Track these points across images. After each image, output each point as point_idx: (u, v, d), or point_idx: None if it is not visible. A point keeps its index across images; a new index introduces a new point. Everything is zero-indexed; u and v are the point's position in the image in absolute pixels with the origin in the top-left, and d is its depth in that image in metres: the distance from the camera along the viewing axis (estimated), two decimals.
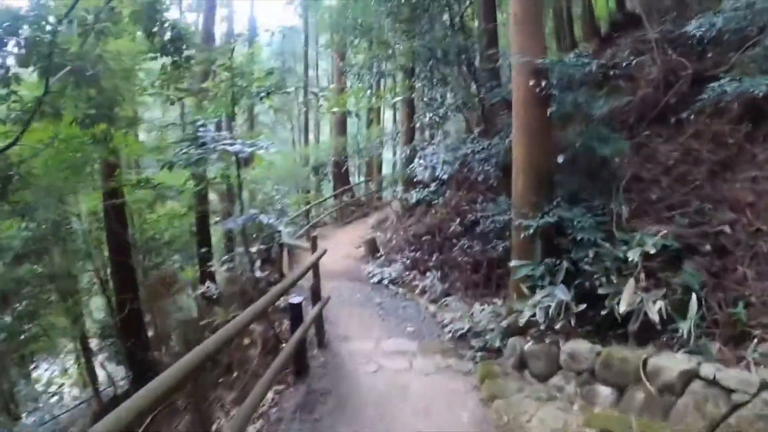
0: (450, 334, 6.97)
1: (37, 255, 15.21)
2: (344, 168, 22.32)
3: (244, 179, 14.58)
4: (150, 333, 15.02)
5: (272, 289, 5.01)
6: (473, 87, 9.79)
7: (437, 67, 9.56)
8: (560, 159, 5.93)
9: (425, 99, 10.10)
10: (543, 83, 5.74)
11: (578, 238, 5.55)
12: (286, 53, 37.97)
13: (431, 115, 10.12)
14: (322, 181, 25.41)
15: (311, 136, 30.61)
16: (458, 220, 10.15)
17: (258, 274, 9.15)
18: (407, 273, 10.63)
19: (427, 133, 15.88)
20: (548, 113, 5.96)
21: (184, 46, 7.77)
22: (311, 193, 23.49)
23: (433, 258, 10.76)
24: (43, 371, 20.22)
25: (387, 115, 31.80)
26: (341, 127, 23.00)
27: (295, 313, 5.71)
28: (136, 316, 13.92)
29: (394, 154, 38.81)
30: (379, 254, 12.36)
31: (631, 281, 5.22)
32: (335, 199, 21.29)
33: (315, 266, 6.72)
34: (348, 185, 21.99)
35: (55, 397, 19.59)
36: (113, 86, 8.35)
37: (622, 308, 5.11)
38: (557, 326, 5.29)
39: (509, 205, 8.69)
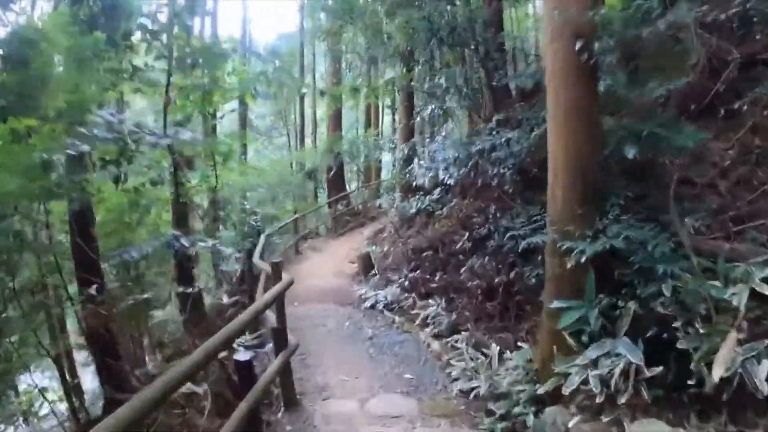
0: (460, 388, 5.26)
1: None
2: (339, 173, 20.64)
3: (218, 186, 13.00)
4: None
5: (207, 342, 3.36)
6: (481, 73, 8.15)
7: (441, 48, 7.92)
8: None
9: (426, 88, 8.43)
10: (589, 49, 4.07)
11: (646, 267, 3.86)
12: (283, 55, 36.64)
13: (433, 107, 8.45)
14: (318, 188, 23.77)
15: (308, 141, 28.99)
16: (466, 233, 8.48)
17: (225, 300, 7.47)
18: (405, 296, 8.94)
19: (427, 132, 14.27)
20: (596, 91, 4.30)
21: (121, 20, 6.11)
22: (306, 201, 21.85)
23: (436, 278, 9.08)
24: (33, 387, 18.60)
25: (386, 119, 30.27)
26: (336, 122, 21.29)
27: (244, 373, 4.03)
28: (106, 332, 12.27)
29: (393, 164, 37.45)
30: (373, 272, 10.66)
31: (732, 334, 3.54)
32: (329, 208, 19.61)
33: (278, 300, 5.02)
34: (343, 192, 20.31)
35: (40, 414, 17.94)
36: (42, 71, 6.69)
37: (717, 373, 3.45)
38: (622, 399, 3.60)
39: (531, 215, 7.06)
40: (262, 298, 4.90)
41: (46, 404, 19.46)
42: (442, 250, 9.81)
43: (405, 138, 12.70)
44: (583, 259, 3.84)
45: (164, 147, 6.12)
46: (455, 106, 8.54)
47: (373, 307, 8.77)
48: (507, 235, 7.26)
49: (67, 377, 16.42)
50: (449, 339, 6.50)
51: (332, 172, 20.06)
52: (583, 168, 4.15)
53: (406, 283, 9.14)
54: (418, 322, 7.43)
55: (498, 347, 5.95)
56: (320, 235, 18.36)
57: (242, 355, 4.01)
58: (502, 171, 6.92)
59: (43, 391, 19.39)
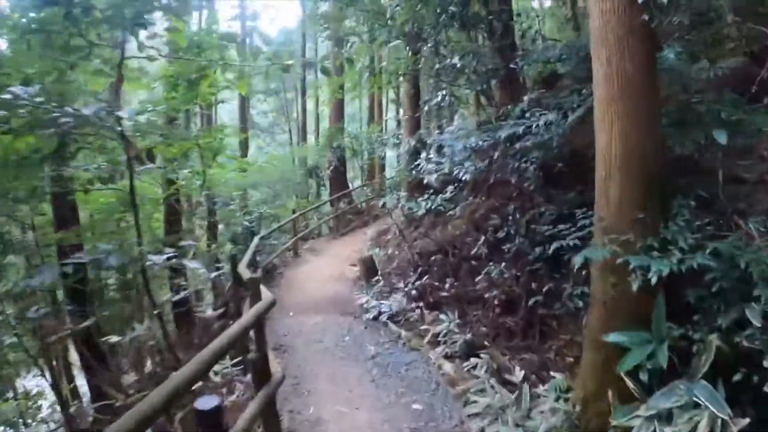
0: (481, 428, 4.36)
1: None
2: (341, 170, 19.72)
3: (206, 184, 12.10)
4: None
5: (161, 387, 2.48)
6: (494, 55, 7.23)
7: (450, 27, 6.97)
8: None
9: (436, 70, 7.47)
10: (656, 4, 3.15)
11: (726, 288, 2.95)
12: (285, 52, 35.77)
13: (443, 93, 7.49)
14: (322, 185, 22.85)
15: (311, 138, 28.07)
16: (481, 236, 7.59)
17: (209, 313, 6.59)
18: (412, 306, 8.04)
19: (434, 124, 13.34)
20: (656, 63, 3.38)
21: None
22: (308, 199, 20.94)
23: (446, 286, 8.20)
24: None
25: (390, 114, 29.32)
26: (338, 114, 20.32)
27: (209, 424, 3.14)
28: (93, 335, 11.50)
29: (398, 159, 36.50)
30: (376, 277, 9.76)
31: None
32: (331, 206, 18.71)
33: (257, 325, 4.12)
34: (346, 190, 19.39)
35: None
36: None
37: None
38: None
39: (559, 215, 6.13)
40: (239, 320, 4.01)
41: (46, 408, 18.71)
42: (453, 254, 8.92)
43: (411, 131, 11.75)
44: (654, 280, 2.92)
45: (116, 136, 5.14)
46: (469, 93, 7.60)
47: (376, 318, 7.87)
48: (529, 239, 6.36)
49: (61, 383, 15.70)
50: (465, 363, 5.58)
51: (334, 169, 19.13)
52: (646, 160, 3.23)
53: (413, 291, 8.25)
54: (427, 338, 6.52)
55: (523, 372, 5.06)
56: (321, 235, 17.47)
57: (205, 402, 3.11)
58: (524, 165, 5.99)
59: (34, 396, 18.55)
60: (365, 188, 19.60)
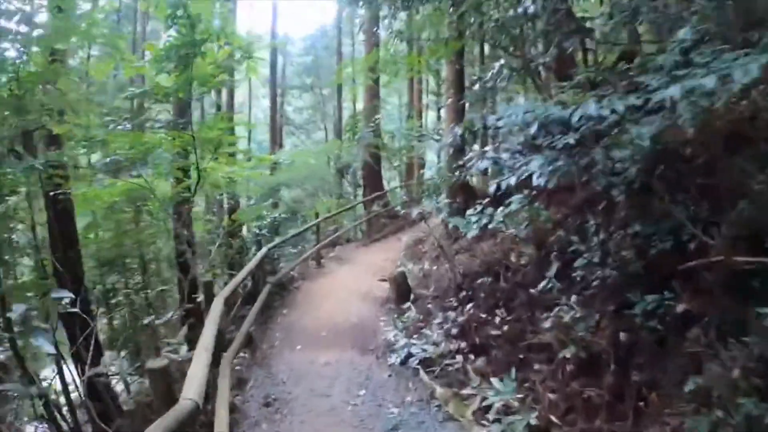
0: None
1: None
2: (376, 169, 17.97)
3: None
4: None
5: None
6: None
7: None
8: None
9: (490, 33, 5.59)
10: None
11: None
12: (319, 47, 34.55)
13: (501, 63, 5.60)
14: (358, 185, 21.15)
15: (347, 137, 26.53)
16: (551, 259, 5.73)
17: (180, 353, 4.96)
18: (452, 347, 6.23)
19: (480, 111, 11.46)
20: None
21: None
22: (338, 200, 19.30)
23: (497, 320, 6.40)
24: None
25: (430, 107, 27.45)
26: (373, 97, 18.46)
27: None
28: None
29: (438, 156, 34.62)
30: (408, 303, 7.97)
31: None
32: (364, 209, 17.00)
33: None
34: (380, 191, 17.61)
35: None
36: None
37: None
38: None
39: (677, 241, 4.17)
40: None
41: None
42: (506, 278, 7.09)
43: (454, 116, 9.83)
44: None
45: None
46: (538, 62, 5.66)
47: (404, 362, 6.06)
48: (621, 271, 4.45)
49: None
50: None
51: (368, 167, 17.39)
52: None
53: (453, 329, 6.41)
54: (473, 407, 4.68)
55: None
56: (351, 240, 15.77)
57: None
58: (620, 164, 4.08)
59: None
60: (401, 189, 17.82)
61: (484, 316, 6.84)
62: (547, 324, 5.40)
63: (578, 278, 5.06)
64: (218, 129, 8.25)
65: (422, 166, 23.95)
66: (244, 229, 13.51)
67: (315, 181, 17.41)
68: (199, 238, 13.01)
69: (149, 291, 12.50)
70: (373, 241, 14.72)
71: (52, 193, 10.60)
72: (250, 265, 7.00)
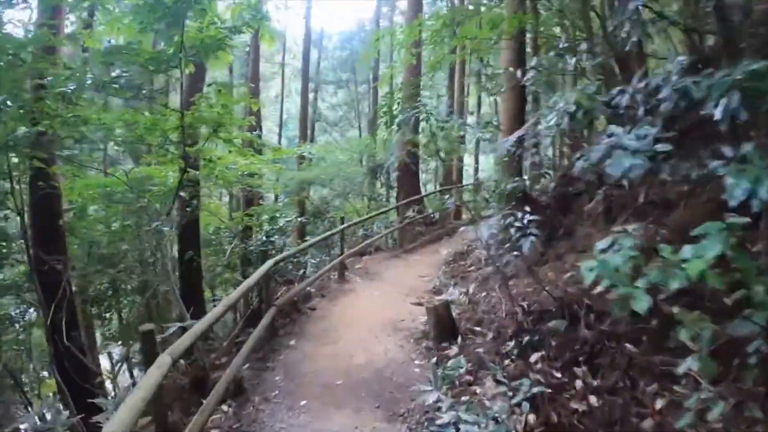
0: None
1: None
2: (412, 170, 16.05)
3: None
4: None
5: None
6: None
7: None
8: None
9: None
10: None
11: None
12: (356, 42, 33.10)
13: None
14: (391, 187, 19.19)
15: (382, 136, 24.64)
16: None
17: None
18: (520, 423, 4.29)
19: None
20: None
21: None
22: (368, 202, 17.48)
23: (577, 385, 4.56)
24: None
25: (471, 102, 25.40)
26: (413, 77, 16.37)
27: None
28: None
29: (476, 160, 32.49)
30: (454, 349, 6.05)
31: None
32: (397, 214, 15.10)
33: None
34: (417, 195, 15.69)
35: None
36: None
37: None
38: None
39: None
40: None
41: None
42: (588, 323, 5.18)
43: (513, 110, 7.93)
44: None
45: None
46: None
47: None
48: None
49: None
50: None
51: (404, 167, 15.49)
52: None
53: (523, 400, 4.46)
54: None
55: None
56: (380, 249, 13.88)
57: None
58: None
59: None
60: (444, 194, 15.85)
61: (559, 376, 4.94)
62: (659, 403, 3.60)
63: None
64: (221, 106, 6.48)
65: (460, 170, 21.93)
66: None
67: (343, 180, 15.61)
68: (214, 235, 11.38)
69: (146, 293, 10.93)
70: (406, 251, 12.82)
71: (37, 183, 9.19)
72: (242, 289, 5.21)
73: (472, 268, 9.32)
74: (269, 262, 6.27)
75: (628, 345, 4.77)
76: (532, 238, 4.33)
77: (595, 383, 4.66)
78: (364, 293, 9.08)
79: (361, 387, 5.25)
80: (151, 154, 9.64)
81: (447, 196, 14.01)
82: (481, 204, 7.68)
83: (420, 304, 8.31)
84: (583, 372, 4.84)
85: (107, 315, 12.98)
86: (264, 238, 7.63)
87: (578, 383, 4.74)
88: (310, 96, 33.23)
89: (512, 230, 4.56)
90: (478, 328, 6.54)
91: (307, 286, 8.38)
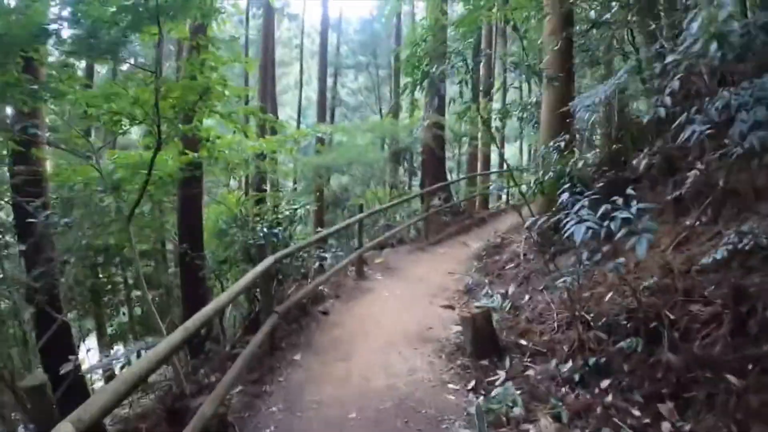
0: None
1: None
2: (438, 155, 14.76)
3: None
4: None
5: None
6: None
7: None
8: None
9: None
10: None
11: None
12: (377, 25, 31.92)
13: None
14: (414, 173, 17.77)
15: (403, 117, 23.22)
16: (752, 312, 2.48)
17: None
18: None
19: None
20: None
21: None
22: (389, 189, 16.23)
23: (664, 428, 3.32)
24: None
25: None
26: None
27: None
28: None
29: (502, 152, 30.78)
30: (501, 375, 4.81)
31: None
32: (421, 203, 13.84)
33: None
34: (442, 182, 14.38)
35: None
36: None
37: None
38: None
39: None
40: None
41: None
42: (673, 343, 3.98)
43: (559, 91, 6.71)
44: None
45: None
46: None
47: None
48: None
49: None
50: None
51: (429, 152, 14.23)
52: None
53: None
54: None
55: None
56: (403, 241, 12.65)
57: None
58: None
59: None
60: (473, 182, 14.54)
61: (637, 414, 3.75)
62: None
63: None
64: (209, 68, 5.30)
65: (487, 157, 20.48)
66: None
67: (364, 166, 14.38)
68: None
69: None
70: (431, 243, 11.58)
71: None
72: (223, 299, 4.05)
73: (511, 265, 8.05)
74: (269, 259, 5.10)
75: (730, 376, 3.56)
76: (648, 235, 3.06)
77: (687, 427, 3.47)
78: (385, 293, 7.89)
79: (381, 424, 4.07)
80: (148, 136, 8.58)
81: (491, 182, 12.69)
82: (530, 190, 6.37)
83: (451, 308, 7.12)
84: (669, 410, 3.64)
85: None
86: (265, 230, 6.47)
87: (665, 426, 3.55)
88: (330, 81, 32.06)
89: (612, 225, 3.28)
90: (523, 342, 5.31)
91: (319, 285, 7.21)
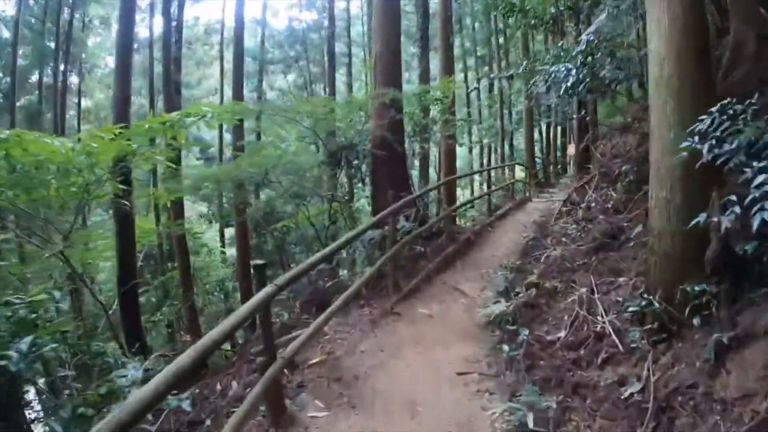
0: None
1: None
2: (397, 153, 10.15)
3: None
4: None
5: None
6: None
7: None
8: None
9: None
10: None
11: None
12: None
13: None
14: (360, 180, 12.51)
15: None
16: None
17: None
18: None
19: None
20: None
21: None
22: (333, 203, 11.22)
23: None
24: None
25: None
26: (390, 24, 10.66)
27: None
28: None
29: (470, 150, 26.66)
30: None
31: None
32: (377, 227, 9.00)
33: None
34: (405, 189, 9.73)
35: None
36: None
37: None
38: None
39: None
40: None
41: None
42: None
43: None
44: None
45: None
46: None
47: None
48: None
49: None
50: None
51: (385, 147, 9.62)
52: None
53: None
54: None
55: None
56: (359, 295, 7.80)
57: None
58: None
59: None
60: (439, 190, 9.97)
61: None
62: None
63: None
64: None
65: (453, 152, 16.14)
66: None
67: (290, 175, 9.58)
68: None
69: None
70: (404, 296, 7.04)
71: None
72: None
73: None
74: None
75: None
76: None
77: None
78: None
79: None
80: None
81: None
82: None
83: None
84: None
85: None
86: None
87: None
88: (255, 80, 27.39)
89: None
90: None
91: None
